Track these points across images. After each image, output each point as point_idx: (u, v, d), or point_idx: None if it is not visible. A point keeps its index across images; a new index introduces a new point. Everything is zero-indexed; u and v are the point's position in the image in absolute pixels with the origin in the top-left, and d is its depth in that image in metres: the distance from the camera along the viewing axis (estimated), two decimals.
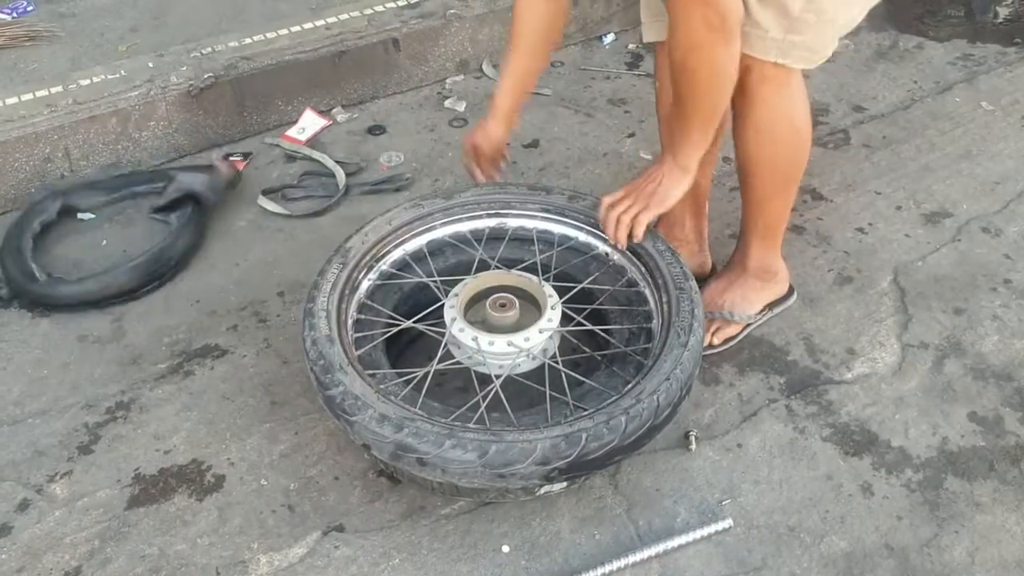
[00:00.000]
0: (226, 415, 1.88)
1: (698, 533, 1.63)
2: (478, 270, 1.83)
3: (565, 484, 1.65)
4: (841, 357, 1.99)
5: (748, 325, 2.01)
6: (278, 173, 2.59)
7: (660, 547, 1.60)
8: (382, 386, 1.61)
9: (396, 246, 1.86)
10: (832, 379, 1.94)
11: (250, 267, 2.27)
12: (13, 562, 1.62)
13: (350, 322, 1.72)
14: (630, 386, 1.57)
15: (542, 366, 1.67)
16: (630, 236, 1.79)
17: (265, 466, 1.78)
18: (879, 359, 1.99)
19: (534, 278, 1.78)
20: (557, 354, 1.71)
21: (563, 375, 1.63)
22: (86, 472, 1.78)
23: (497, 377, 1.64)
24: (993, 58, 3.08)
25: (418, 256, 1.89)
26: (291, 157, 2.65)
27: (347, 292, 1.73)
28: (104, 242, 2.35)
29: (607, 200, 1.82)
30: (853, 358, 1.99)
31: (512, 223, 1.93)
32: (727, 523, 1.64)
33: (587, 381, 1.66)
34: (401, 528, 1.67)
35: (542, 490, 1.63)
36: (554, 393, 1.61)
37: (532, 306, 1.77)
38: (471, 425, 1.51)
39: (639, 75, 3.00)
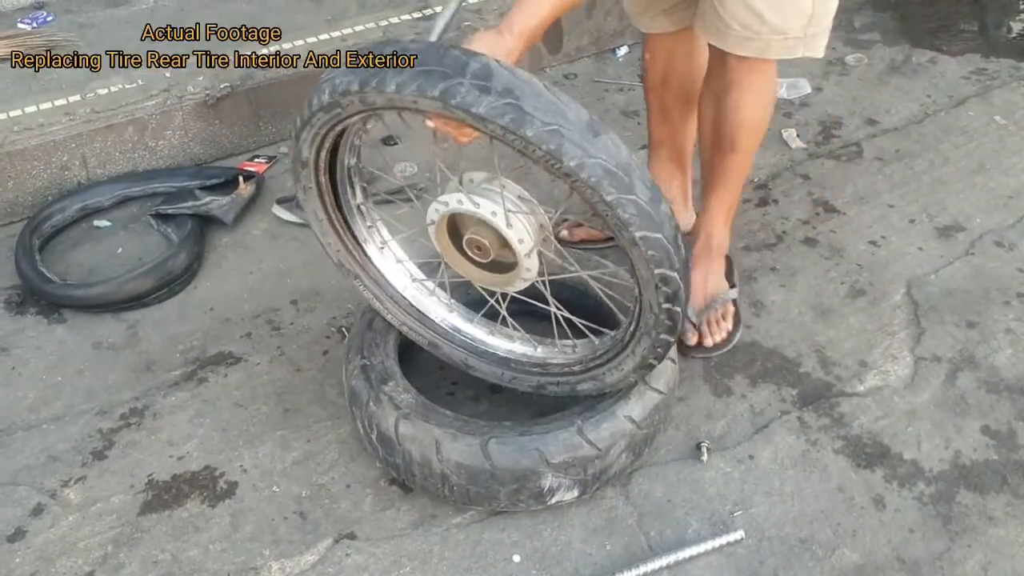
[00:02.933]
0: (239, 422, 1.89)
1: (709, 544, 1.62)
2: None
3: (577, 494, 1.65)
4: (853, 370, 1.99)
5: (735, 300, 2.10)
6: (292, 182, 2.60)
7: (671, 558, 1.60)
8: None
9: None
10: (844, 391, 1.94)
11: (264, 275, 2.29)
12: (27, 566, 1.63)
13: None
14: None
15: None
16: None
17: (277, 473, 1.79)
18: (892, 372, 1.98)
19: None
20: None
21: None
22: (100, 478, 1.79)
23: None
24: (1007, 72, 3.07)
25: None
26: None
27: None
28: (120, 250, 2.37)
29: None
30: (865, 371, 1.99)
31: None
32: (738, 535, 1.64)
33: None
34: (412, 536, 1.67)
35: (553, 499, 1.63)
36: None
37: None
38: None
39: None
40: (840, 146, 2.72)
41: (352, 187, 1.68)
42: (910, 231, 2.38)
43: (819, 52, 1.85)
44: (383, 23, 2.93)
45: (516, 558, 1.64)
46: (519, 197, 1.51)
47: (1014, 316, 2.12)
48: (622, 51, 3.20)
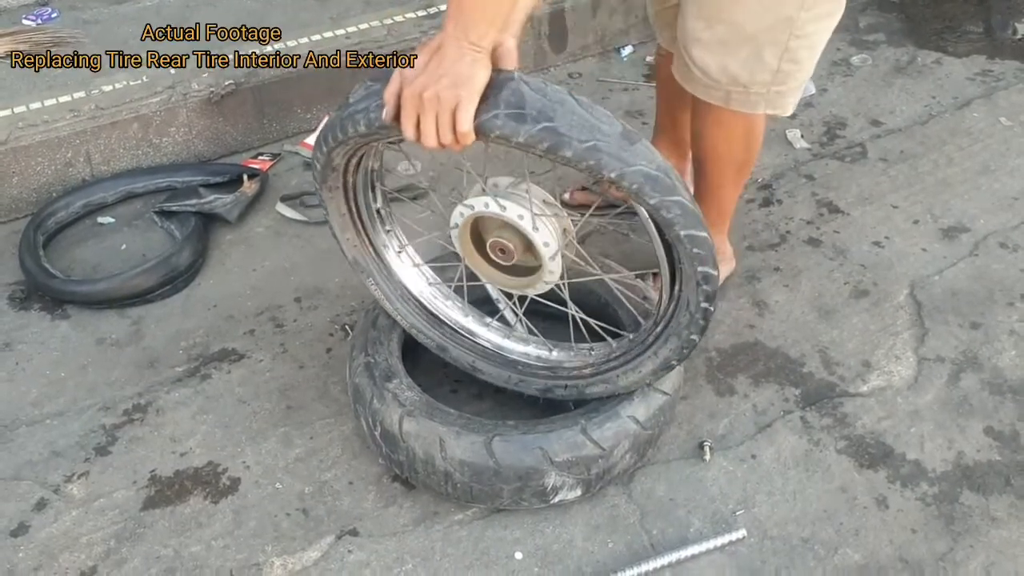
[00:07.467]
0: (242, 419, 1.89)
1: (711, 543, 1.62)
2: None
3: (580, 494, 1.65)
4: (857, 370, 1.99)
5: None
6: (297, 180, 2.61)
7: (673, 556, 1.60)
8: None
9: None
10: (847, 392, 1.94)
11: (267, 273, 2.29)
12: (30, 561, 1.63)
13: None
14: None
15: None
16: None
17: (280, 469, 1.79)
18: (895, 372, 1.98)
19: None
20: None
21: None
22: (103, 473, 1.79)
23: None
24: (1012, 74, 3.07)
25: None
26: (310, 164, 2.67)
27: None
28: (123, 246, 2.37)
29: (394, 88, 1.34)
30: (869, 371, 1.98)
31: None
32: (741, 533, 1.64)
33: None
34: (415, 533, 1.67)
35: (556, 498, 1.63)
36: None
37: None
38: None
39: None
40: (844, 147, 2.72)
41: (373, 191, 1.70)
42: (914, 232, 2.38)
43: (785, 111, 1.80)
44: (387, 21, 2.93)
45: (518, 555, 1.64)
46: (544, 201, 1.53)
47: (1018, 317, 2.11)
48: (626, 51, 3.20)
